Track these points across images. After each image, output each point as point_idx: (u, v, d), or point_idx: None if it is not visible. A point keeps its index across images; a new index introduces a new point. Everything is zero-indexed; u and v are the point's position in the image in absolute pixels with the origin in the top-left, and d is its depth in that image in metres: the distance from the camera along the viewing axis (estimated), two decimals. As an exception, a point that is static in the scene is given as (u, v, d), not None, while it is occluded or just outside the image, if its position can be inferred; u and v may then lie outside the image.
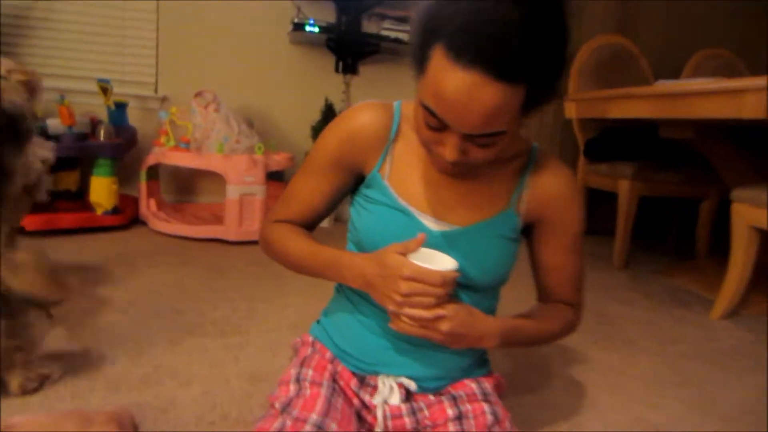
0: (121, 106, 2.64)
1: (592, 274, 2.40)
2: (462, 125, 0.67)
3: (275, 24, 2.94)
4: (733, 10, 3.44)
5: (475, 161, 0.73)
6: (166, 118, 2.57)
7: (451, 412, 0.85)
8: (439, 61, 0.65)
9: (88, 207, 2.42)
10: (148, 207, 2.59)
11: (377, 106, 0.87)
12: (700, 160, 2.52)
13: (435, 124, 0.70)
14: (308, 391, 0.83)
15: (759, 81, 1.58)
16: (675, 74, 3.15)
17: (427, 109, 0.69)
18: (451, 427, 0.83)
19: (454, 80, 0.64)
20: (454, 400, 0.88)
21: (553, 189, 0.86)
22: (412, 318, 0.75)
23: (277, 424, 0.77)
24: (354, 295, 0.91)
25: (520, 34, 0.61)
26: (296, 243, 0.89)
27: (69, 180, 2.62)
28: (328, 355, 0.93)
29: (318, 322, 1.01)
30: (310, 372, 0.88)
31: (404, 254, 0.75)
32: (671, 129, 2.57)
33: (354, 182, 0.91)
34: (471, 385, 0.91)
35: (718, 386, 1.40)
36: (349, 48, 2.99)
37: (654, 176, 2.56)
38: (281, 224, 0.93)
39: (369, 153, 0.86)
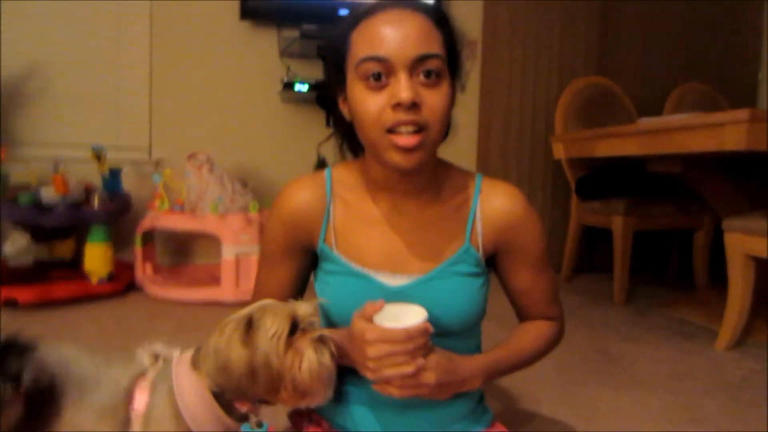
0: (115, 173, 2.66)
1: (594, 312, 2.38)
2: (403, 48, 0.71)
3: (266, 83, 3.01)
4: (708, 43, 3.55)
5: (428, 114, 0.72)
6: (159, 181, 2.60)
7: None
8: (360, 28, 0.74)
9: (83, 276, 2.41)
10: (144, 272, 2.58)
11: (305, 181, 0.87)
12: (690, 192, 2.55)
13: (378, 68, 0.71)
14: None
15: (738, 114, 1.62)
16: (657, 109, 3.23)
17: (367, 60, 0.72)
18: None
19: (381, 20, 0.73)
20: None
21: (505, 214, 0.85)
22: (393, 378, 0.72)
23: None
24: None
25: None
26: None
27: (64, 249, 2.62)
28: (326, 426, 0.90)
29: None
30: None
31: (370, 318, 0.73)
32: (659, 164, 2.61)
33: (311, 259, 0.89)
34: None
35: (731, 420, 1.37)
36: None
37: (646, 210, 2.59)
38: None
39: (312, 229, 0.86)
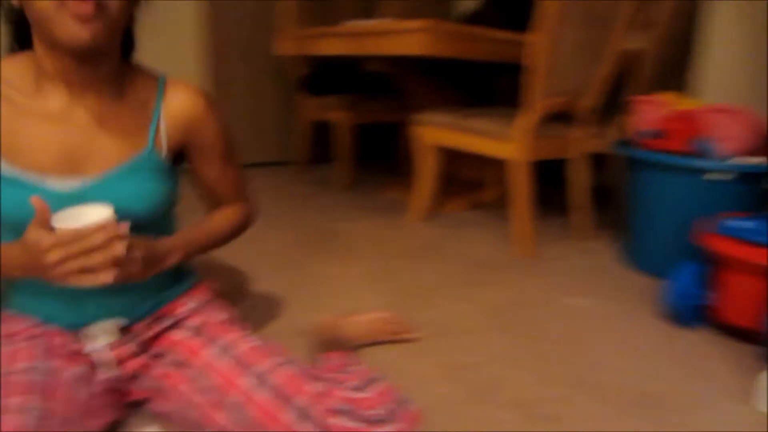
0: None
1: (319, 198, 2.68)
2: None
3: None
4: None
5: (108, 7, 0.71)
6: None
7: (182, 333, 0.92)
8: None
9: None
10: None
11: None
12: (399, 90, 2.93)
13: None
14: (10, 348, 0.82)
15: (417, 23, 1.91)
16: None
17: None
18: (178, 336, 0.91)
19: None
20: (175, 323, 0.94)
21: (187, 112, 0.90)
22: (88, 269, 0.70)
23: None
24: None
25: None
26: None
27: None
28: (31, 321, 0.88)
29: (11, 297, 0.93)
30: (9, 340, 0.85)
31: (45, 224, 0.70)
32: (371, 63, 2.90)
33: None
34: (185, 304, 0.97)
35: (413, 274, 1.77)
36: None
37: (362, 106, 2.91)
38: None
39: None
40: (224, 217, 1.03)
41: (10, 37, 0.84)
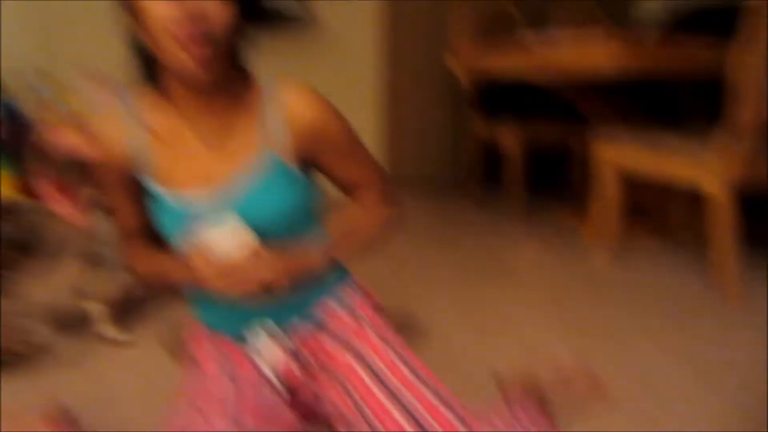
0: None
1: (488, 221, 2.59)
2: None
3: None
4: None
5: (213, 23, 0.74)
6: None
7: (331, 342, 0.92)
8: None
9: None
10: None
11: (106, 117, 0.90)
12: (577, 111, 2.73)
13: None
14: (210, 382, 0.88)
15: (606, 33, 1.73)
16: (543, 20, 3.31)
17: None
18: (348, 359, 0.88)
19: None
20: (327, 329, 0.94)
21: (308, 119, 0.88)
22: (242, 289, 0.79)
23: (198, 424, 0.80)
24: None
25: None
26: (143, 265, 0.97)
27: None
28: (210, 333, 0.96)
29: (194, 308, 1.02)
30: (203, 359, 0.93)
31: (198, 248, 0.79)
32: (548, 83, 2.74)
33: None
34: (337, 310, 0.95)
35: (591, 308, 1.61)
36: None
37: (537, 127, 2.76)
38: (131, 250, 0.98)
39: (124, 161, 0.88)
40: (364, 215, 0.99)
41: (140, 69, 0.89)
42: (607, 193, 2.06)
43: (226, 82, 0.85)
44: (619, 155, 2.00)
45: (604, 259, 2.04)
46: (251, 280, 0.79)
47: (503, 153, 2.76)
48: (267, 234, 0.84)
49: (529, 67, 2.15)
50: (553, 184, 3.37)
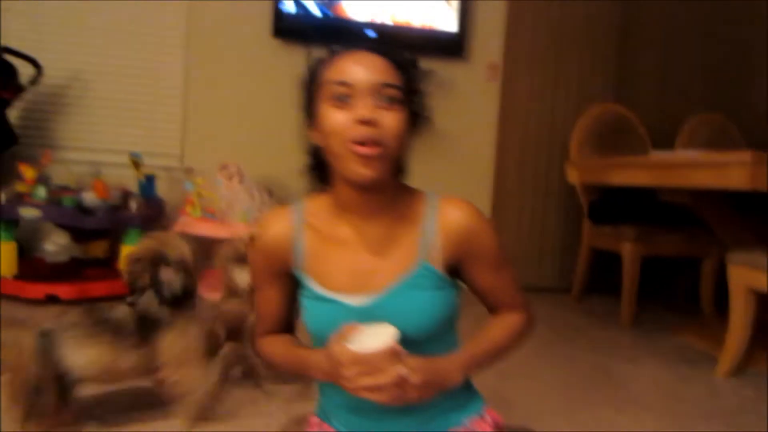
0: (150, 178, 2.82)
1: (600, 333, 2.49)
2: (366, 77, 0.86)
3: (295, 99, 3.15)
4: (719, 75, 3.64)
5: (385, 131, 0.85)
6: (192, 189, 2.74)
7: None
8: (330, 64, 0.90)
9: (117, 274, 2.55)
10: (173, 273, 2.72)
11: (277, 216, 1.00)
12: (699, 222, 2.65)
13: (344, 91, 0.86)
14: None
15: (742, 155, 1.73)
16: (670, 138, 3.32)
17: (337, 84, 0.87)
18: None
19: (348, 57, 0.89)
20: None
21: (461, 227, 0.94)
22: (375, 388, 0.82)
23: None
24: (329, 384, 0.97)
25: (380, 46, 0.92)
26: (277, 352, 1.03)
27: (98, 248, 2.77)
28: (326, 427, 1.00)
29: (319, 403, 1.07)
30: None
31: (343, 341, 0.84)
32: (669, 194, 2.71)
33: (295, 281, 1.00)
34: None
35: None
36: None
37: (655, 237, 2.69)
38: (266, 339, 1.06)
39: (286, 256, 0.97)
40: (504, 326, 1.02)
41: (312, 175, 1.02)
42: (738, 312, 1.95)
43: (391, 188, 0.94)
44: (753, 276, 1.91)
45: (731, 385, 1.90)
46: (390, 379, 0.81)
47: (618, 261, 2.70)
48: (412, 341, 0.87)
49: (658, 183, 2.15)
50: (666, 294, 3.23)
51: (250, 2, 3.12)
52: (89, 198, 2.44)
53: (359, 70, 0.86)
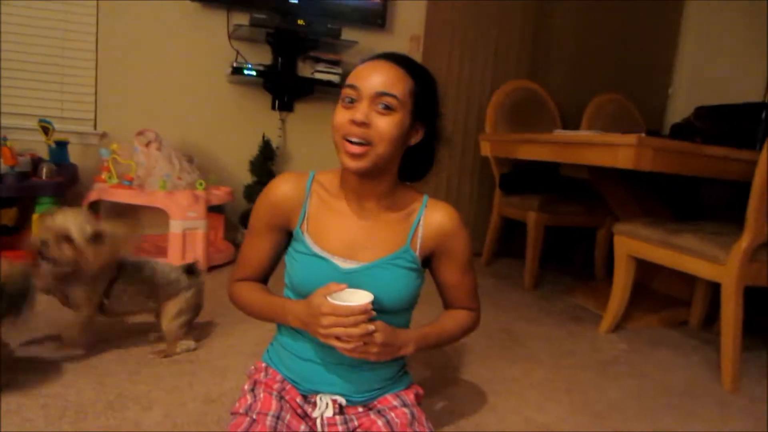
0: (62, 145, 2.72)
1: (504, 295, 2.71)
2: (370, 84, 1.00)
3: (215, 65, 3.11)
4: (625, 60, 3.92)
5: (375, 133, 1.00)
6: (107, 155, 2.68)
7: (375, 417, 1.09)
8: (356, 68, 1.06)
9: (24, 244, 2.48)
10: (89, 241, 2.67)
11: (293, 177, 1.15)
12: (596, 195, 2.91)
13: (352, 94, 1.01)
14: (262, 396, 1.08)
15: (628, 138, 1.93)
16: (578, 114, 3.58)
17: (347, 87, 1.02)
18: (379, 427, 1.06)
19: (366, 64, 1.04)
20: (379, 411, 1.12)
21: (442, 226, 1.13)
22: (349, 337, 0.97)
23: (245, 423, 1.01)
24: (294, 332, 1.13)
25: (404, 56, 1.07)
26: (253, 297, 1.15)
27: (7, 216, 2.67)
28: (278, 377, 1.15)
29: (267, 351, 1.23)
30: (263, 387, 1.11)
31: (327, 295, 0.98)
32: (570, 169, 2.95)
33: (286, 238, 1.16)
34: (393, 400, 1.15)
35: (597, 390, 1.70)
36: (284, 89, 3.21)
37: (557, 208, 2.93)
38: (241, 283, 1.19)
39: (291, 215, 1.12)
40: (456, 319, 1.22)
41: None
42: (620, 276, 2.21)
43: (389, 181, 1.10)
44: (638, 246, 2.15)
45: (611, 340, 2.17)
46: (360, 332, 0.97)
47: (527, 229, 2.92)
48: (381, 309, 1.03)
49: (558, 158, 2.35)
50: (563, 259, 3.53)
51: (167, -38, 3.01)
52: (-5, 164, 2.34)
53: (368, 77, 1.01)
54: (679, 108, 3.95)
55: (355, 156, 1.00)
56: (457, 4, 3.42)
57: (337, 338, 0.98)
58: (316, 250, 1.09)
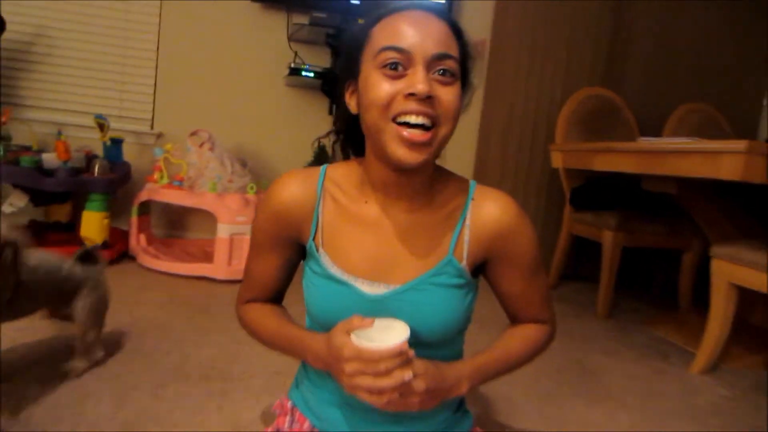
0: (117, 142, 2.68)
1: (575, 322, 2.43)
2: (424, 44, 0.73)
3: (272, 67, 3.02)
4: (711, 65, 3.57)
5: (442, 110, 0.74)
6: (160, 155, 2.61)
7: None
8: (383, 23, 0.77)
9: (78, 240, 2.43)
10: (138, 242, 2.60)
11: (298, 174, 0.87)
12: (682, 213, 2.59)
13: (398, 58, 0.73)
14: None
15: (735, 144, 1.65)
16: (658, 125, 3.26)
17: (388, 49, 0.73)
18: None
19: (404, 17, 0.76)
20: None
21: (496, 222, 0.84)
22: (375, 390, 0.71)
23: None
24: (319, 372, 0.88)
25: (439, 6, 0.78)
26: (266, 324, 0.90)
27: (60, 212, 2.64)
28: (306, 425, 0.91)
29: (295, 384, 0.99)
30: None
31: (350, 331, 0.74)
32: (654, 183, 2.64)
33: (300, 250, 0.90)
34: None
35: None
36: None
37: (637, 227, 2.62)
38: (252, 305, 0.94)
39: (301, 224, 0.85)
40: (524, 338, 0.92)
41: (340, 142, 0.90)
42: (719, 307, 1.90)
43: (430, 171, 0.82)
44: (738, 272, 1.84)
45: (707, 382, 1.86)
46: (393, 383, 0.71)
47: (602, 250, 2.63)
48: (421, 342, 0.78)
49: (643, 170, 2.07)
50: (641, 284, 3.19)
51: (230, -39, 2.95)
52: (49, 159, 2.31)
53: (416, 34, 0.73)
54: (776, 121, 3.55)
55: (416, 146, 0.72)
56: (528, 4, 3.19)
57: (367, 390, 0.72)
58: (334, 271, 0.82)
